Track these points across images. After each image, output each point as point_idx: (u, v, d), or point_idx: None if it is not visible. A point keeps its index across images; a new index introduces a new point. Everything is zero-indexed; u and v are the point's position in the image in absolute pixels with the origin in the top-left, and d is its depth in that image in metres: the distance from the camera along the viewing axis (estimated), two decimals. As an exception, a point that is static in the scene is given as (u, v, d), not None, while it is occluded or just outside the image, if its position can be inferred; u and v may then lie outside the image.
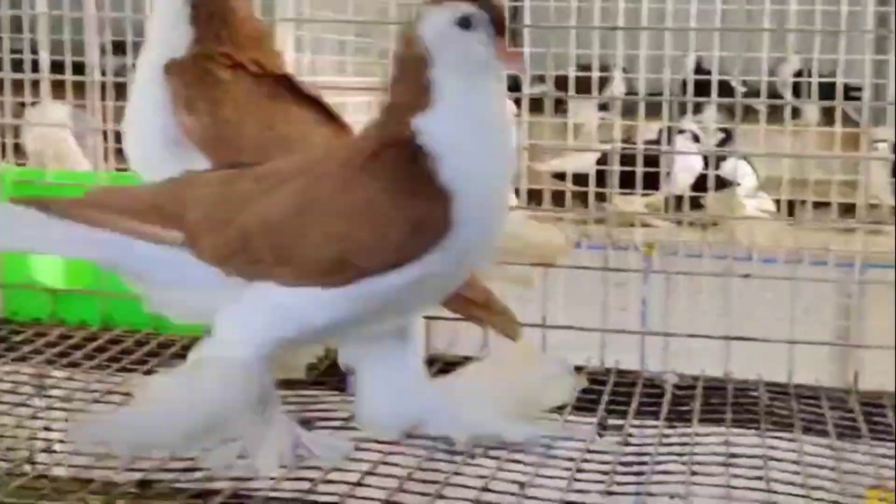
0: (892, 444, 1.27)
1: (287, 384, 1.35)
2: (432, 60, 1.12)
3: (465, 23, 1.12)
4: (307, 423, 1.25)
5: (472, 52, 1.12)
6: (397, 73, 1.16)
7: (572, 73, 3.62)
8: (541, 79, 3.93)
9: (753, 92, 4.09)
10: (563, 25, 3.26)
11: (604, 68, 4.07)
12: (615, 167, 2.77)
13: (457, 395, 1.27)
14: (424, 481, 1.14)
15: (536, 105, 3.46)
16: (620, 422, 1.35)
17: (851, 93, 3.87)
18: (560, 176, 3.61)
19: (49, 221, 1.18)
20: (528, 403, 1.31)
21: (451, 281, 1.19)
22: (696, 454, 1.23)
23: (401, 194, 1.10)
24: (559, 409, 1.34)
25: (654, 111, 3.57)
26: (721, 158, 3.62)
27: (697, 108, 4.12)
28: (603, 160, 3.35)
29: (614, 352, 1.64)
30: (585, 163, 3.52)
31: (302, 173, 1.15)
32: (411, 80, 1.14)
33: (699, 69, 4.27)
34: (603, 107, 4.22)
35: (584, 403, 1.41)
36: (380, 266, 1.10)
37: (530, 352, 1.41)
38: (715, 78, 3.73)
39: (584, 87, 3.67)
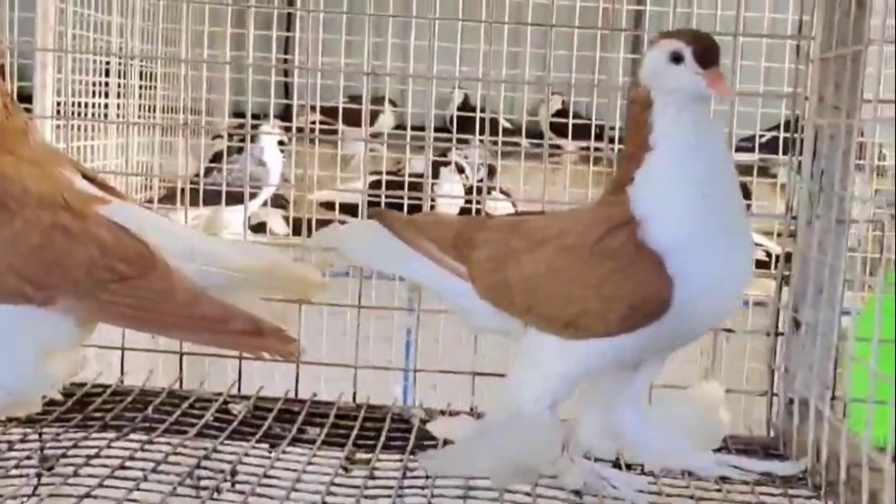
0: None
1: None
2: (652, 99, 1.25)
3: (676, 57, 1.22)
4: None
5: (683, 84, 1.23)
6: (628, 115, 1.30)
7: (342, 104, 3.69)
8: (312, 108, 3.98)
9: (517, 129, 4.29)
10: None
11: (375, 101, 4.15)
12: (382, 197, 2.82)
13: (653, 427, 1.38)
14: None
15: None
16: (368, 456, 1.39)
17: (605, 132, 4.13)
18: (329, 205, 3.66)
19: (385, 236, 1.41)
20: (709, 435, 1.43)
21: (673, 345, 1.33)
22: (437, 486, 1.29)
23: (625, 275, 1.24)
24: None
25: (422, 146, 3.68)
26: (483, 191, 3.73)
27: (466, 143, 4.27)
28: (372, 188, 3.42)
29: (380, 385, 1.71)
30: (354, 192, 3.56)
31: (554, 240, 1.30)
32: (637, 122, 1.27)
33: (466, 106, 4.44)
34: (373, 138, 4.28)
35: (334, 438, 1.45)
36: (603, 332, 1.26)
37: (713, 390, 1.48)
38: (479, 115, 3.90)
39: (353, 118, 3.72)
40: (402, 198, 2.72)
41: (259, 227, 3.84)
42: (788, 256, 1.56)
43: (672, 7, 3.43)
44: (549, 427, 1.31)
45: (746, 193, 3.73)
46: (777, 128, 4.03)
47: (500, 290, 1.35)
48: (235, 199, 3.37)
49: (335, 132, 3.82)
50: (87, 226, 1.29)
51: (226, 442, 1.41)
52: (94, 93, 3.40)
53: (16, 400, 1.35)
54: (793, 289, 1.51)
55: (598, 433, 1.39)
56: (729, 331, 1.70)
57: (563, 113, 4.27)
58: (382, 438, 1.45)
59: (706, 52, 1.23)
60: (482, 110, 4.08)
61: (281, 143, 3.76)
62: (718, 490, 1.34)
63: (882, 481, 1.11)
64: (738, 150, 3.64)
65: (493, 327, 1.39)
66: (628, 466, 1.40)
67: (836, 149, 1.43)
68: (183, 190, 3.04)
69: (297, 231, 3.46)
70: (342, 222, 1.81)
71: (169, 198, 3.36)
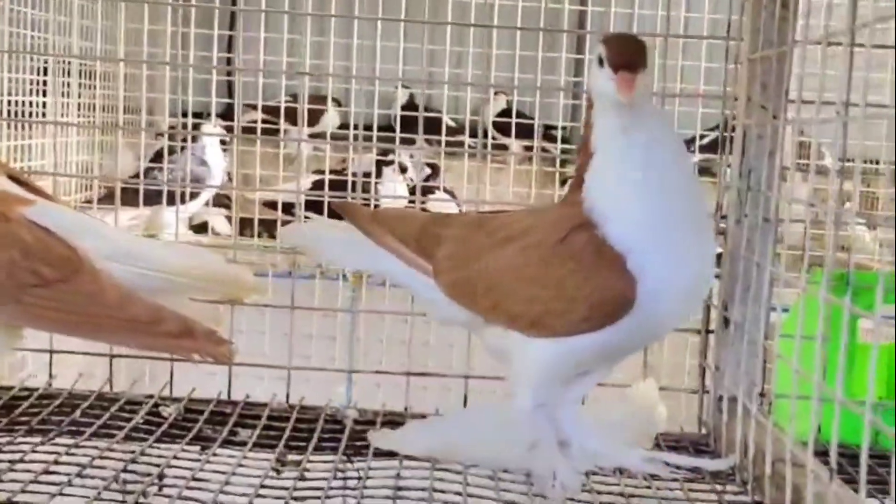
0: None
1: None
2: (593, 99, 1.28)
3: (600, 61, 1.24)
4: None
5: (602, 87, 1.23)
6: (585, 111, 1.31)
7: (283, 103, 3.67)
8: (252, 107, 3.96)
9: (461, 129, 4.30)
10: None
11: (319, 100, 4.13)
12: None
13: (586, 427, 1.37)
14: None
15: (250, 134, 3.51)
16: (299, 457, 1.38)
17: (549, 132, 4.15)
18: (271, 205, 3.64)
19: (349, 231, 1.41)
20: (642, 433, 1.43)
21: (638, 345, 1.37)
22: (367, 487, 1.29)
23: (584, 277, 1.24)
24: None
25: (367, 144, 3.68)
26: (428, 191, 3.75)
27: (411, 143, 4.26)
28: (316, 188, 3.40)
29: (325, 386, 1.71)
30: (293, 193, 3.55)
31: (518, 239, 1.30)
32: (586, 123, 1.29)
33: (411, 105, 4.44)
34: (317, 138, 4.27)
35: (265, 440, 1.44)
36: (567, 332, 1.27)
37: (648, 389, 1.49)
38: (422, 114, 3.89)
39: (295, 117, 3.70)
40: (345, 197, 2.70)
41: (201, 228, 3.81)
42: (720, 256, 1.58)
43: (612, 7, 3.48)
44: (520, 422, 1.32)
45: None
46: (717, 128, 4.07)
47: (464, 287, 1.35)
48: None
49: (278, 131, 3.80)
50: (8, 228, 1.27)
51: (155, 445, 1.40)
52: (31, 91, 3.36)
53: None
54: (722, 287, 1.52)
55: None
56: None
57: (507, 112, 4.29)
58: (314, 440, 1.45)
59: (617, 56, 1.22)
60: (427, 110, 4.09)
61: (223, 142, 3.73)
62: (648, 487, 1.35)
63: (805, 476, 1.12)
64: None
65: (459, 321, 1.40)
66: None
67: (764, 148, 1.45)
68: (122, 189, 3.02)
69: (241, 231, 3.44)
70: (286, 222, 1.81)
71: (109, 198, 3.32)
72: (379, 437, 1.42)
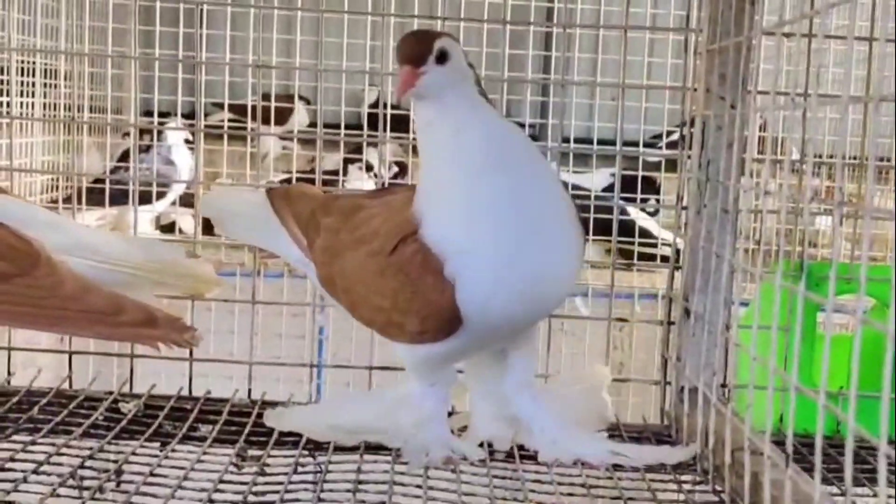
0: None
1: None
2: None
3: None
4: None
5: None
6: None
7: (251, 102, 3.65)
8: (219, 106, 3.94)
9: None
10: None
11: (287, 98, 4.11)
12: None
13: (546, 415, 1.37)
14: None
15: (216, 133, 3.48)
16: (260, 452, 1.37)
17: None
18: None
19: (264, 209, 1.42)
20: (593, 420, 1.46)
21: (492, 345, 1.33)
22: (327, 481, 1.28)
23: (414, 290, 1.22)
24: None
25: (338, 142, 3.67)
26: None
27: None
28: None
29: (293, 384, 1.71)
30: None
31: (367, 242, 1.28)
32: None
33: (379, 103, 4.41)
34: (285, 137, 4.24)
35: (226, 436, 1.43)
36: (411, 341, 1.27)
37: (600, 372, 1.51)
38: (390, 112, 3.89)
39: (265, 116, 3.68)
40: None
41: (169, 228, 3.79)
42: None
43: (579, 3, 3.48)
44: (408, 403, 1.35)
45: (656, 189, 3.79)
46: (686, 124, 4.09)
47: (329, 283, 1.36)
48: (143, 198, 3.31)
49: (244, 129, 3.78)
50: None
51: (113, 441, 1.39)
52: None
53: None
54: (683, 278, 1.53)
55: (491, 422, 1.40)
56: (622, 320, 1.72)
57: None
58: (275, 435, 1.44)
59: (399, 54, 1.21)
60: (394, 107, 4.07)
61: (188, 141, 3.71)
62: (610, 478, 1.35)
63: (763, 464, 1.12)
64: (647, 145, 3.72)
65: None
66: (521, 454, 1.40)
67: (722, 139, 1.46)
68: (86, 189, 3.00)
69: (206, 230, 3.42)
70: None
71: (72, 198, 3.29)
72: (273, 417, 1.44)
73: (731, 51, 1.40)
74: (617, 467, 1.37)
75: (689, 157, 1.55)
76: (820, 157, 3.02)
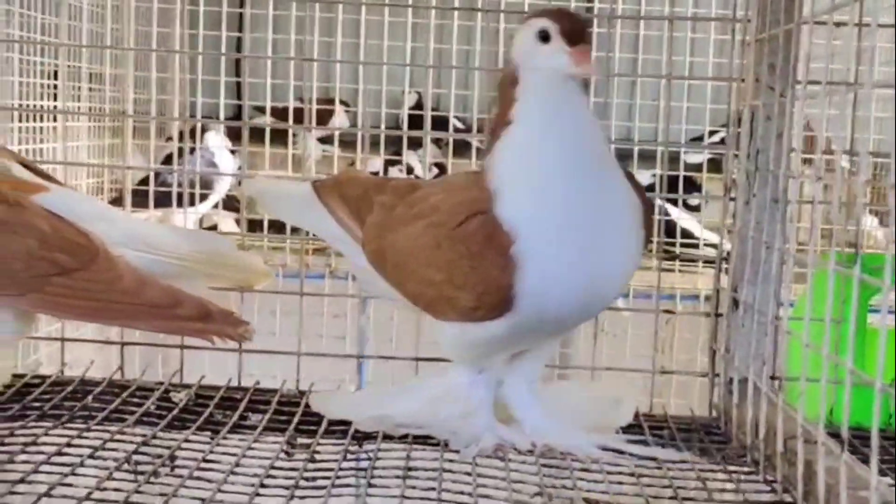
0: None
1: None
2: (519, 76, 1.23)
3: (543, 35, 1.21)
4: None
5: (549, 62, 1.20)
6: (497, 93, 1.27)
7: (292, 104, 3.67)
8: (261, 110, 3.97)
9: (468, 128, 4.29)
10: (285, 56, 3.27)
11: (327, 102, 4.14)
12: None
13: (539, 406, 1.37)
14: (104, 501, 1.13)
15: (258, 135, 3.51)
16: (309, 441, 1.38)
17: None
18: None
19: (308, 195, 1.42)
20: (599, 422, 1.43)
21: (540, 338, 1.32)
22: (376, 468, 1.28)
23: (473, 265, 1.20)
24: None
25: (378, 145, 3.69)
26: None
27: (419, 143, 4.26)
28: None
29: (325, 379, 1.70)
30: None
31: (425, 216, 1.27)
32: (503, 97, 1.24)
33: (419, 106, 4.42)
34: (326, 140, 4.27)
35: (276, 424, 1.44)
36: (460, 319, 1.25)
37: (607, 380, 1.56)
38: (429, 114, 3.89)
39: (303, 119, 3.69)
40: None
41: (211, 230, 3.81)
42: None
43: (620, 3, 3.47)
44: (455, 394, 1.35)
45: (697, 189, 3.77)
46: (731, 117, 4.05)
47: (379, 258, 1.34)
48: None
49: (286, 133, 3.81)
50: (24, 216, 1.27)
51: (166, 429, 1.40)
52: (41, 95, 3.37)
53: None
54: (731, 269, 1.52)
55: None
56: (668, 312, 1.71)
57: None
58: (324, 424, 1.44)
59: (573, 30, 1.20)
60: (436, 110, 4.08)
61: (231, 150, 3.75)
62: (658, 468, 1.35)
63: (816, 452, 1.12)
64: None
65: (384, 294, 1.39)
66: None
67: (772, 129, 1.45)
68: (131, 191, 3.03)
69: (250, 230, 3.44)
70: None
71: (119, 200, 3.33)
72: (319, 400, 1.45)
73: (782, 39, 1.40)
74: (667, 460, 1.37)
75: (737, 149, 1.54)
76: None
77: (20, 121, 3.12)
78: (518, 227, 1.19)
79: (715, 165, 3.76)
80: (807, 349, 1.19)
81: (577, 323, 1.33)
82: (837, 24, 1.42)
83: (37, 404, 1.46)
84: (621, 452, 1.36)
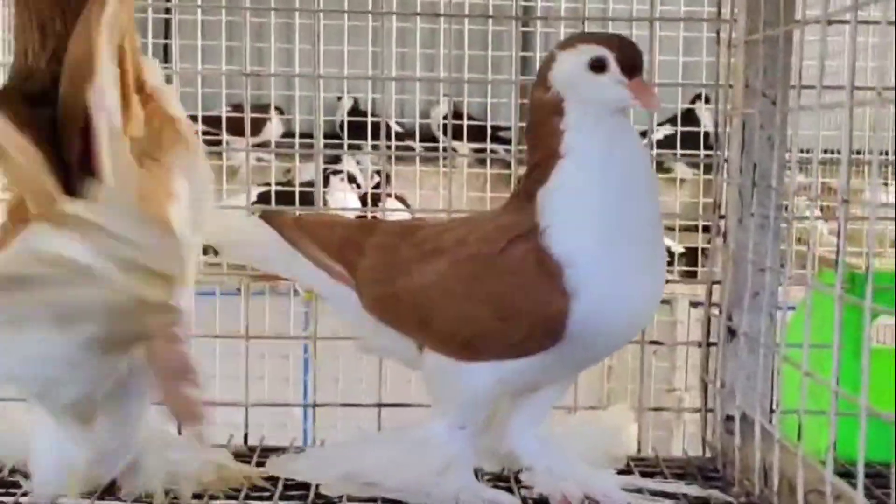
0: None
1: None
2: (565, 106, 1.13)
3: (598, 65, 1.12)
4: None
5: (605, 95, 1.12)
6: (532, 119, 1.17)
7: (224, 113, 3.49)
8: (194, 119, 3.76)
9: (409, 134, 4.14)
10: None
11: (261, 109, 3.97)
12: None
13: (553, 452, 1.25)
14: None
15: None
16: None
17: (499, 133, 4.02)
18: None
19: (273, 238, 1.27)
20: (607, 454, 1.33)
21: (578, 366, 1.24)
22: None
23: (522, 295, 1.12)
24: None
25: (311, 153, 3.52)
26: (378, 199, 3.59)
27: (358, 149, 4.10)
28: (262, 201, 3.23)
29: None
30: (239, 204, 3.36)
31: (450, 250, 1.17)
32: (546, 128, 1.15)
33: (356, 111, 4.27)
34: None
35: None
36: (504, 355, 1.15)
37: (621, 411, 1.42)
38: (370, 119, 3.75)
39: (237, 128, 3.52)
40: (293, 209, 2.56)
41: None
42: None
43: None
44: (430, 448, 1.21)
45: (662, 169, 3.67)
46: (670, 121, 3.96)
47: (387, 303, 1.22)
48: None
49: (219, 143, 3.62)
50: None
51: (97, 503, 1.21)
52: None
53: None
54: (726, 295, 1.38)
55: (480, 453, 1.26)
56: (657, 343, 1.57)
57: (456, 115, 4.16)
58: (279, 488, 1.27)
59: (631, 61, 1.12)
60: (372, 115, 3.93)
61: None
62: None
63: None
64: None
65: (383, 346, 1.28)
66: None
67: (766, 139, 1.31)
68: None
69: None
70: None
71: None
72: (278, 465, 1.28)
73: (782, 41, 1.26)
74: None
75: (726, 159, 1.40)
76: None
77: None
78: (571, 255, 1.13)
79: (660, 166, 3.66)
80: (806, 378, 1.06)
81: (614, 351, 1.27)
82: (830, 22, 1.29)
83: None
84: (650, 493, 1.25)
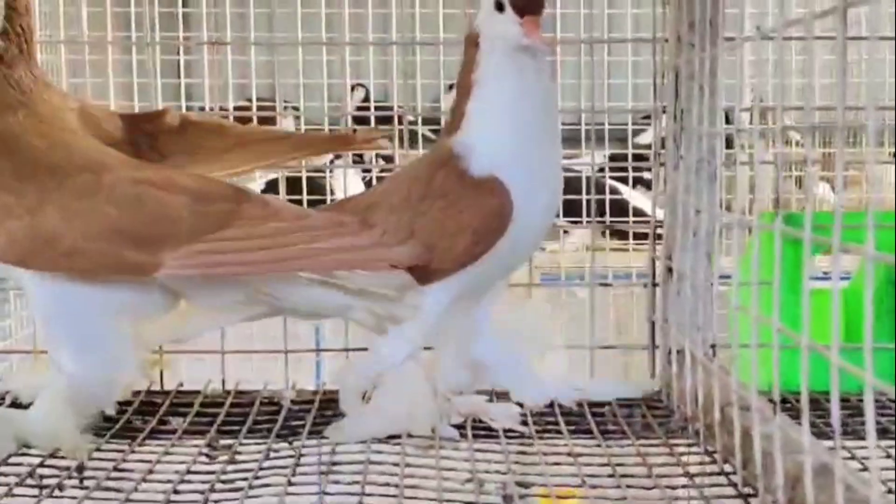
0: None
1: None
2: (480, 42, 1.31)
3: (499, 6, 1.28)
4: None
5: (502, 31, 1.28)
6: (463, 55, 1.34)
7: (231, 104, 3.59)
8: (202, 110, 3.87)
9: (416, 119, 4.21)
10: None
11: (269, 101, 4.05)
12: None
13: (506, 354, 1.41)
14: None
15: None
16: (231, 441, 1.32)
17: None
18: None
19: None
20: (542, 342, 1.46)
21: (511, 264, 1.40)
22: (299, 465, 1.22)
23: (460, 208, 1.30)
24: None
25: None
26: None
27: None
28: (270, 188, 3.33)
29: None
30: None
31: (381, 202, 1.33)
32: (467, 60, 1.33)
33: (367, 100, 4.34)
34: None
35: (197, 427, 1.37)
36: (455, 266, 1.29)
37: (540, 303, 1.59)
38: (373, 105, 3.83)
39: (248, 121, 3.60)
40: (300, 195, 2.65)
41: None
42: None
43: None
44: (418, 381, 1.33)
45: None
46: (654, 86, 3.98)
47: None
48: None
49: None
50: (168, 175, 1.25)
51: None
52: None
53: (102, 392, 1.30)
54: (665, 237, 1.47)
55: (455, 368, 1.39)
56: (605, 285, 1.66)
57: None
58: (248, 423, 1.38)
59: (523, 2, 1.27)
60: (378, 107, 4.00)
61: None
62: (598, 445, 1.29)
63: (752, 419, 1.06)
64: (637, 125, 3.63)
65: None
66: (497, 395, 1.43)
67: (694, 88, 1.39)
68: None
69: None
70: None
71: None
72: (335, 431, 1.33)
73: (698, -6, 1.35)
74: (606, 434, 1.33)
75: (663, 110, 1.49)
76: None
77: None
78: (496, 166, 1.30)
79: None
80: (737, 312, 1.14)
81: (538, 241, 1.44)
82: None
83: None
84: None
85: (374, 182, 3.77)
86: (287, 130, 1.69)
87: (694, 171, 1.38)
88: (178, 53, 3.84)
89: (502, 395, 1.43)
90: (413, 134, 3.97)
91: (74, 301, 1.24)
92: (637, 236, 3.16)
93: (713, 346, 1.42)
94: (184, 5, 3.67)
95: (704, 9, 1.35)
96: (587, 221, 1.68)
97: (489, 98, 1.31)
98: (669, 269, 1.45)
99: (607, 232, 2.85)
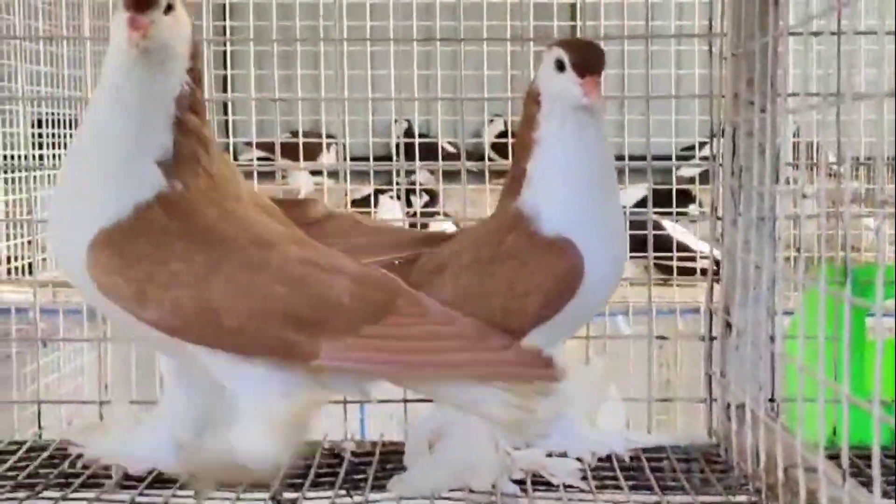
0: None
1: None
2: (541, 100, 1.32)
3: (560, 65, 1.29)
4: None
5: (563, 91, 1.29)
6: (523, 112, 1.35)
7: (280, 139, 3.63)
8: (250, 145, 3.93)
9: (459, 153, 4.24)
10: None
11: (316, 136, 4.10)
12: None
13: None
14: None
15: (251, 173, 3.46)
16: (295, 495, 1.33)
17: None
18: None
19: None
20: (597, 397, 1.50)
21: (576, 325, 1.43)
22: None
23: (530, 270, 1.30)
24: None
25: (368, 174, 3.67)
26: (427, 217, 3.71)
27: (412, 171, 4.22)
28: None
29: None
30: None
31: (450, 265, 1.33)
32: (527, 119, 1.34)
33: (410, 133, 4.39)
34: (318, 172, 4.23)
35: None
36: (529, 325, 1.29)
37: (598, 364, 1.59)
38: (417, 140, 3.87)
39: (293, 153, 3.65)
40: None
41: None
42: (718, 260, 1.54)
43: (602, 20, 3.45)
44: (480, 436, 1.33)
45: (692, 199, 3.73)
46: (715, 134, 4.01)
47: None
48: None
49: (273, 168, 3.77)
50: (332, 256, 1.22)
51: (146, 492, 1.34)
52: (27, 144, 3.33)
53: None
54: (722, 291, 1.48)
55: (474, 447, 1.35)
56: (662, 338, 1.67)
57: (505, 134, 4.26)
58: (311, 475, 1.39)
59: (584, 62, 1.28)
60: (424, 136, 4.05)
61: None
62: (658, 502, 1.30)
63: (818, 481, 1.07)
64: (679, 158, 3.64)
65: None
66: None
67: (753, 145, 1.41)
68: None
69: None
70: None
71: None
72: (397, 485, 1.33)
73: (758, 53, 1.36)
74: (665, 489, 1.33)
75: (720, 165, 1.50)
76: (857, 159, 2.94)
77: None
78: (565, 228, 1.31)
79: (707, 177, 3.72)
80: (801, 373, 1.14)
81: (605, 300, 1.42)
82: (814, 34, 1.38)
83: (11, 473, 1.40)
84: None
85: (418, 215, 3.83)
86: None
87: (754, 227, 1.39)
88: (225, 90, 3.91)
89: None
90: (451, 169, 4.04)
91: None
92: (681, 272, 3.17)
93: (772, 401, 1.42)
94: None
95: (764, 66, 1.37)
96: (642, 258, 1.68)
97: (552, 157, 1.32)
98: (728, 324, 1.45)
99: (650, 266, 2.86)
